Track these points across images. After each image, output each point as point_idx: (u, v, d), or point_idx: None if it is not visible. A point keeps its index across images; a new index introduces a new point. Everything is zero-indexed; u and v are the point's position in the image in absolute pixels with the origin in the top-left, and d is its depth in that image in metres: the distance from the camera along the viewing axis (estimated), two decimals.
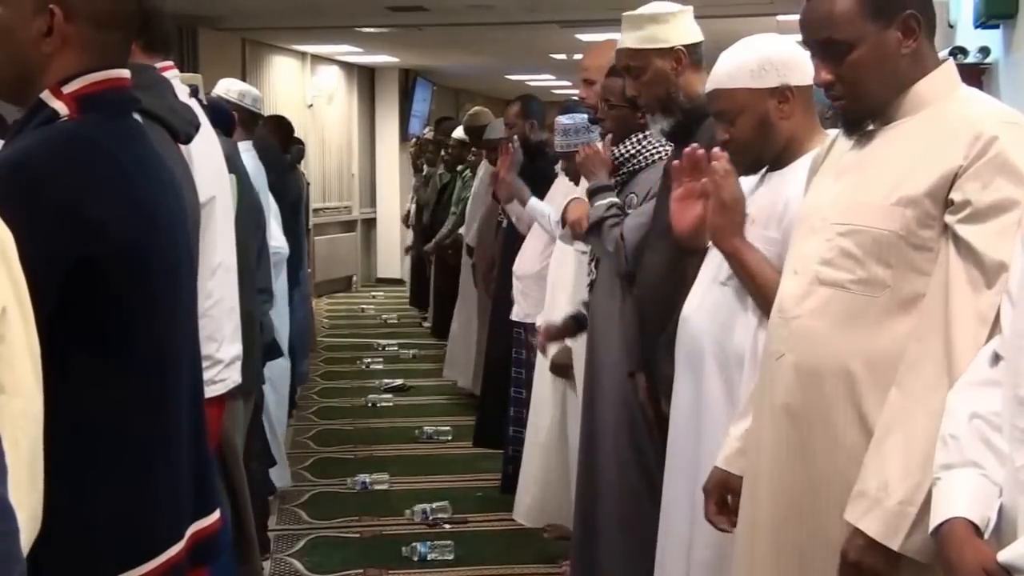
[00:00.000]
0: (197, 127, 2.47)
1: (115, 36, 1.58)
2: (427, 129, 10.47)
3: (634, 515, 3.00)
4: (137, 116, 2.18)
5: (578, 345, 3.61)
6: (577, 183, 3.89)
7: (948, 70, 1.81)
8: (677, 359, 2.39)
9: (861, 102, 1.80)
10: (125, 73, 1.61)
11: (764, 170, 2.29)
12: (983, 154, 1.64)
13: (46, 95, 1.52)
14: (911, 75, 1.77)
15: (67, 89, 1.52)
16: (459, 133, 8.04)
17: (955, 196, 1.66)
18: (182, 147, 2.32)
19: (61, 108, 1.52)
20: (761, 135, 2.22)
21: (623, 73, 2.79)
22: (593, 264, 3.29)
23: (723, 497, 2.11)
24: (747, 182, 2.32)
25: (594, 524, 3.15)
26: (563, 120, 4.01)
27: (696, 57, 2.73)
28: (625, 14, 2.75)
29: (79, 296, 1.45)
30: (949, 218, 1.67)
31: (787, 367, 1.82)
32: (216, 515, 1.75)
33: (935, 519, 1.47)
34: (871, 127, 1.82)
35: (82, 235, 1.45)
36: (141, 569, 1.52)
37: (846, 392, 1.74)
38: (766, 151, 2.24)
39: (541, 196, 4.24)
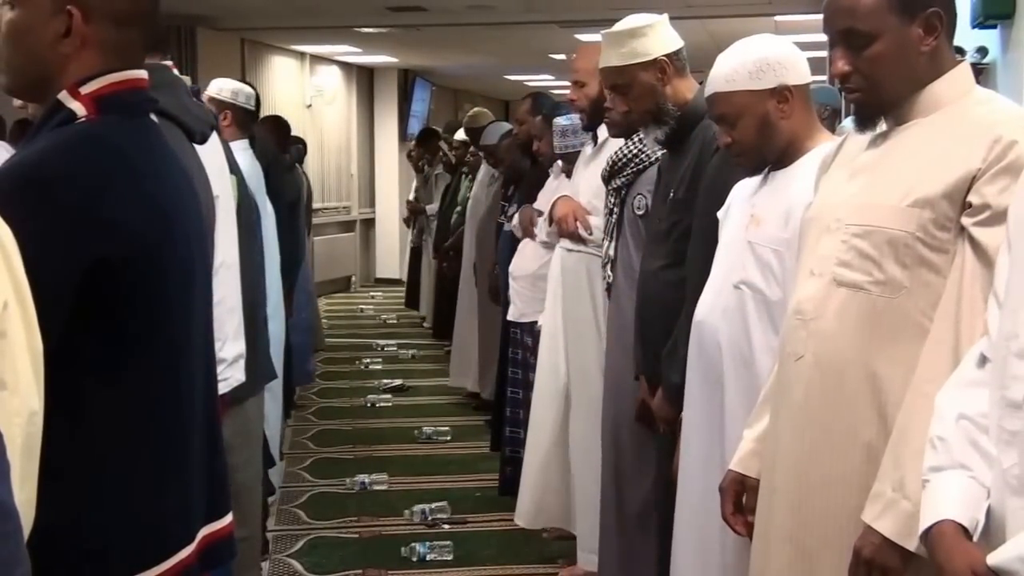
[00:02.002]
0: (211, 127, 2.48)
1: (132, 36, 1.58)
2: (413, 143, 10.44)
3: (658, 517, 2.99)
4: (153, 116, 2.20)
5: (574, 346, 3.61)
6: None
7: (964, 71, 1.81)
8: (690, 362, 2.39)
9: (876, 96, 1.80)
10: (142, 74, 1.61)
11: (767, 170, 2.29)
12: (1002, 158, 1.64)
13: (64, 96, 1.52)
14: (928, 74, 1.77)
15: (85, 90, 1.52)
16: (461, 135, 8.05)
17: (973, 199, 1.66)
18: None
19: (79, 109, 1.51)
20: (763, 136, 2.23)
21: (611, 91, 2.80)
22: (609, 267, 3.28)
23: (739, 497, 2.11)
24: (751, 182, 2.33)
25: (622, 524, 3.15)
26: (561, 121, 4.01)
27: (679, 64, 2.75)
28: (603, 32, 2.77)
29: (94, 297, 1.45)
30: (966, 220, 1.67)
31: (807, 368, 1.82)
32: (228, 518, 1.75)
33: (924, 522, 1.47)
34: (885, 126, 1.82)
35: (98, 236, 1.44)
36: (153, 571, 1.52)
37: (868, 392, 1.74)
38: (769, 151, 2.25)
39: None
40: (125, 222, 1.47)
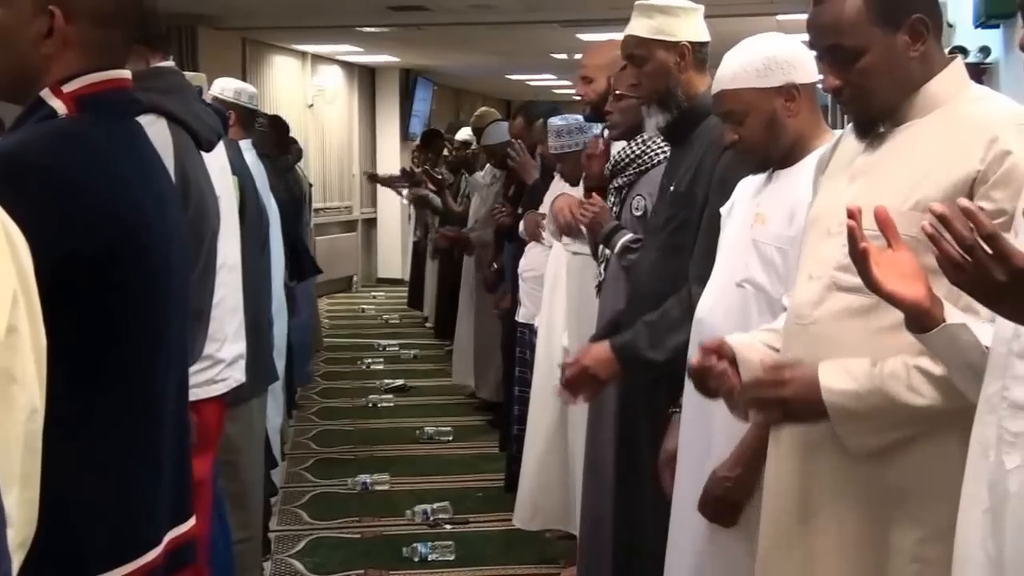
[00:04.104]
0: (219, 135, 2.47)
1: (115, 36, 1.57)
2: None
3: (639, 520, 2.98)
4: (163, 119, 2.20)
5: (574, 346, 3.61)
6: (575, 184, 3.89)
7: (957, 68, 1.80)
8: (689, 360, 2.38)
9: (871, 107, 1.79)
10: (126, 74, 1.61)
11: (771, 169, 2.28)
12: (1002, 161, 1.63)
13: (45, 93, 1.52)
14: (920, 77, 1.76)
15: (67, 88, 1.52)
16: (462, 135, 8.04)
17: (985, 204, 1.62)
18: None
19: (60, 107, 1.51)
20: (770, 134, 2.21)
21: (627, 61, 2.78)
22: (602, 266, 3.28)
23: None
24: (755, 181, 2.31)
25: (601, 530, 3.14)
26: (556, 121, 4.01)
27: (700, 57, 2.72)
28: (638, 2, 2.75)
29: (62, 292, 1.42)
30: None
31: None
32: (192, 522, 1.74)
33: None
34: (882, 129, 1.81)
35: (68, 230, 1.44)
36: (118, 572, 1.51)
37: None
38: (775, 150, 2.23)
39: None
40: (95, 219, 1.47)
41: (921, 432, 1.69)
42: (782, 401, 1.73)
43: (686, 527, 2.38)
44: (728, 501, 2.22)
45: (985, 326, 1.48)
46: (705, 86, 2.71)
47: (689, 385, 2.38)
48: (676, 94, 2.68)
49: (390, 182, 9.77)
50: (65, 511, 1.46)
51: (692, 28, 2.71)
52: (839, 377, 1.69)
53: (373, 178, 9.79)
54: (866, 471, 1.73)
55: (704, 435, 2.32)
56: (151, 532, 1.60)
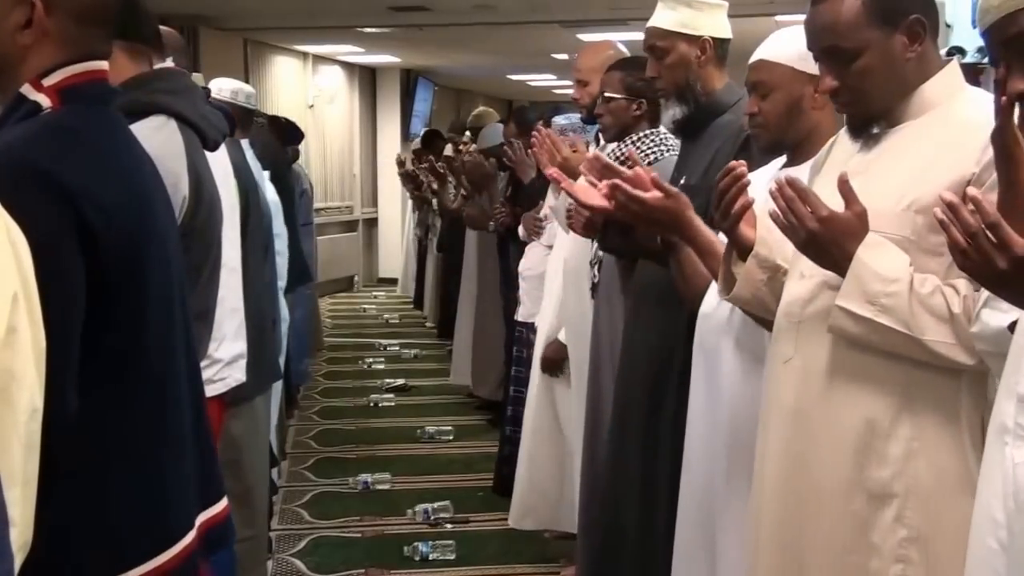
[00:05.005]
0: (225, 135, 2.49)
1: (94, 31, 1.57)
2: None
3: (635, 519, 2.99)
4: (173, 121, 2.22)
5: (572, 346, 3.62)
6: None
7: (953, 71, 1.81)
8: (694, 358, 2.38)
9: (868, 107, 1.80)
10: (103, 65, 1.60)
11: (780, 167, 2.28)
12: (993, 170, 1.64)
13: (26, 89, 1.51)
14: (917, 78, 1.78)
15: (47, 82, 1.51)
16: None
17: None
18: None
19: (43, 100, 1.50)
20: (790, 117, 2.22)
21: (648, 52, 2.79)
22: (596, 267, 3.29)
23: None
24: (764, 177, 2.32)
25: (596, 526, 3.16)
26: (559, 120, 4.02)
27: (721, 53, 2.73)
28: None
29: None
30: None
31: (796, 371, 1.81)
32: (223, 503, 1.78)
33: None
34: (877, 130, 1.82)
35: (70, 228, 1.44)
36: (160, 559, 1.54)
37: (857, 396, 1.73)
38: (789, 135, 2.24)
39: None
40: (106, 209, 1.48)
41: (907, 434, 1.71)
42: (811, 231, 1.69)
43: (694, 513, 2.40)
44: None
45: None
46: (723, 83, 2.72)
47: (697, 364, 2.39)
48: (695, 88, 2.68)
49: (406, 179, 9.79)
50: (98, 506, 1.49)
51: (716, 24, 2.72)
52: (878, 257, 1.67)
53: (403, 165, 9.83)
54: (851, 473, 1.73)
55: (712, 407, 2.33)
56: (184, 517, 1.63)
